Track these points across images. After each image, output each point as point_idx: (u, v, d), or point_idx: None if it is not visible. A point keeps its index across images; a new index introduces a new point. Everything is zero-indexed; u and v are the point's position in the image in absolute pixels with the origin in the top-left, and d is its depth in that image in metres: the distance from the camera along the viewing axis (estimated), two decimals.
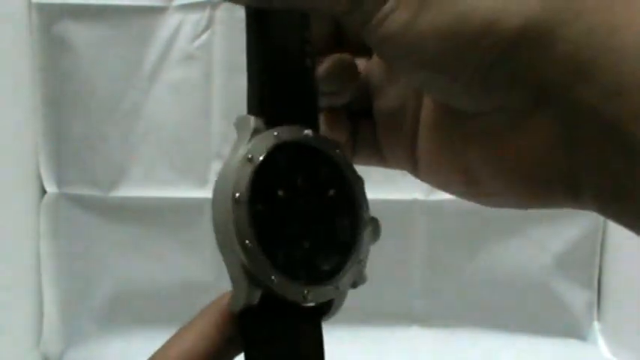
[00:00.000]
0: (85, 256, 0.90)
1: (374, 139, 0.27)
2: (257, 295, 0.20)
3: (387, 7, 0.21)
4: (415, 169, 0.26)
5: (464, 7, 0.20)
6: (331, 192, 0.22)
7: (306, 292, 0.21)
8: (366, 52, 0.27)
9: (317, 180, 0.22)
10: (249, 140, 0.21)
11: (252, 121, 0.21)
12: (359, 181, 0.23)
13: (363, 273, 0.22)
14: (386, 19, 0.21)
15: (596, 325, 0.93)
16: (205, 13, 0.86)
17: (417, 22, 0.20)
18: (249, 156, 0.21)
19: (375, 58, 0.27)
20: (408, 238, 0.90)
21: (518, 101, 0.21)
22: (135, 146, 0.88)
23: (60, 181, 0.88)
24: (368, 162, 0.27)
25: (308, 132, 0.22)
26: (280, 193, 0.21)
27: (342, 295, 0.22)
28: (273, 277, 0.20)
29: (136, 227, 0.89)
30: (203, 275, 0.87)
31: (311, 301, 0.21)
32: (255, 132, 0.21)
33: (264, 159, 0.21)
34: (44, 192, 0.87)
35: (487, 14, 0.20)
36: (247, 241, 0.20)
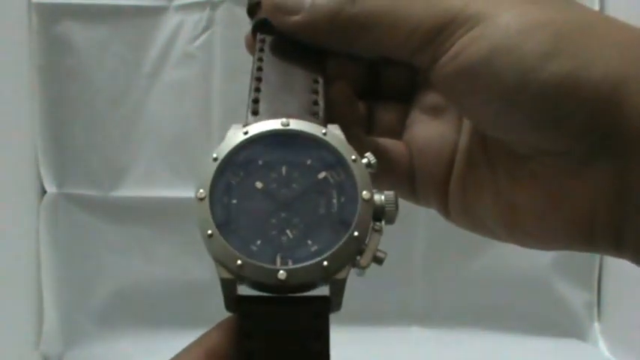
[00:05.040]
0: (85, 256, 0.90)
1: (411, 173, 0.27)
2: (230, 280, 0.21)
3: (466, 39, 0.21)
4: (445, 209, 0.27)
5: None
6: (321, 175, 0.22)
7: (281, 272, 0.21)
8: (399, 99, 0.28)
9: (304, 166, 0.23)
10: (221, 143, 0.23)
11: (233, 127, 0.23)
12: (357, 160, 0.23)
13: (368, 252, 0.22)
14: (463, 51, 0.21)
15: (596, 325, 0.93)
16: (205, 13, 0.86)
17: (500, 54, 0.21)
18: (215, 156, 0.22)
19: (414, 106, 0.27)
20: (408, 238, 0.90)
21: (586, 148, 0.21)
22: (135, 146, 0.88)
23: (60, 181, 0.88)
24: (401, 195, 0.27)
25: (287, 121, 0.23)
26: (259, 185, 0.22)
27: (336, 275, 0.21)
28: (239, 262, 0.21)
29: (136, 227, 0.89)
30: (203, 275, 0.86)
31: (287, 281, 0.21)
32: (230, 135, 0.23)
33: (227, 156, 0.22)
34: (44, 192, 0.87)
35: (574, 62, 0.20)
36: (209, 231, 0.21)
